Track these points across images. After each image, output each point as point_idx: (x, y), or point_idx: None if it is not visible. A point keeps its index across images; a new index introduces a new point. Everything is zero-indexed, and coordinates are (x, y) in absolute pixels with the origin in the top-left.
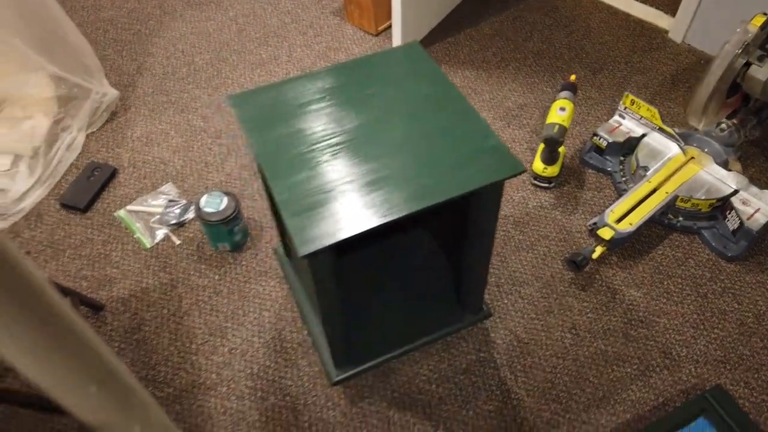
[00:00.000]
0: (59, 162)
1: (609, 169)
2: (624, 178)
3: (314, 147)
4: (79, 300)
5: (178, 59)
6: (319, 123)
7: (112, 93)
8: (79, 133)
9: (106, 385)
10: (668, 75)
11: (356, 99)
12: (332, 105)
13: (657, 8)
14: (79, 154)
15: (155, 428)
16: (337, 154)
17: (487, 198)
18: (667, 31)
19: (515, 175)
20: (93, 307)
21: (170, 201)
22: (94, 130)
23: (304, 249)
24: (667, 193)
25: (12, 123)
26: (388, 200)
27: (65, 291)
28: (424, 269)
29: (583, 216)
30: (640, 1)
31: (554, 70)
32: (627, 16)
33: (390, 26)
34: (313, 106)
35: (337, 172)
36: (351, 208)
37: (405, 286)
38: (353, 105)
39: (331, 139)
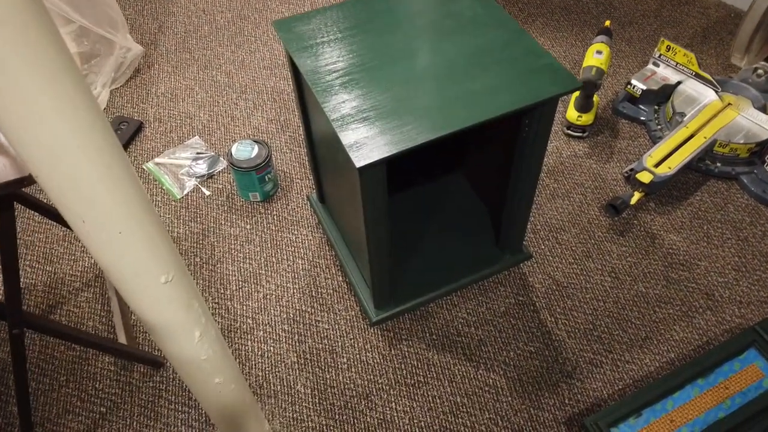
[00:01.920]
0: None
1: (643, 118)
2: (659, 126)
3: (362, 67)
4: None
5: (200, 18)
6: (366, 44)
7: (137, 48)
8: (103, 89)
9: (175, 279)
10: (699, 29)
11: (404, 22)
12: (379, 27)
13: None
14: (104, 109)
15: (211, 337)
16: (386, 74)
17: (541, 117)
18: None
19: (571, 91)
20: None
21: (198, 153)
22: (118, 86)
23: (360, 161)
24: (705, 137)
25: None
26: (443, 116)
27: None
28: (461, 212)
29: (617, 164)
30: None
31: (582, 24)
32: None
33: None
34: (359, 29)
35: (390, 91)
36: (405, 124)
37: (443, 229)
38: (401, 27)
39: (379, 59)
